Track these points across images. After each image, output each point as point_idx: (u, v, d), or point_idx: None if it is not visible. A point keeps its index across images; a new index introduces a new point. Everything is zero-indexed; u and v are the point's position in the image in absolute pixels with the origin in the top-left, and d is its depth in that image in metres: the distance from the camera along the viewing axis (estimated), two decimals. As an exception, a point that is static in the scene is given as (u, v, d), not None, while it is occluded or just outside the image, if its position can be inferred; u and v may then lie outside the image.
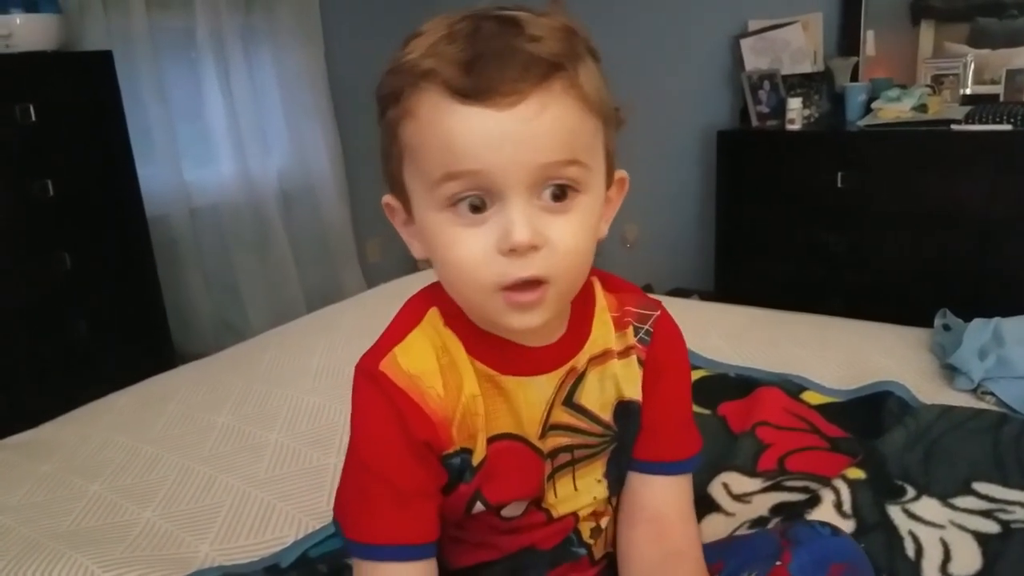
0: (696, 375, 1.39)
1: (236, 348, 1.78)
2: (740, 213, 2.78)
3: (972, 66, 2.59)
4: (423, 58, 0.57)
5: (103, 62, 2.44)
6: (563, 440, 0.71)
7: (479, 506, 0.69)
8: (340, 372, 1.48)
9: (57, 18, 2.42)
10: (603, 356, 0.71)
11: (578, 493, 0.73)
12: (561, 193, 0.59)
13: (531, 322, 0.61)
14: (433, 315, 0.68)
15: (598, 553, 0.78)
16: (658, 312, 0.76)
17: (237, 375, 1.55)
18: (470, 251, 0.58)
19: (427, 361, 0.66)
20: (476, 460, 0.67)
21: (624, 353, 0.73)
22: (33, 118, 2.24)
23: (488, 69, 0.55)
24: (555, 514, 0.73)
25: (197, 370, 1.65)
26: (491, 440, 0.67)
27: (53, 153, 2.33)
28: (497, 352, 0.67)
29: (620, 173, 0.68)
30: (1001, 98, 2.49)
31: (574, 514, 0.74)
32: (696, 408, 1.25)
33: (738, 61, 2.95)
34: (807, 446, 1.12)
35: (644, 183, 3.38)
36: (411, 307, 0.71)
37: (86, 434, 1.34)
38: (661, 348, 0.75)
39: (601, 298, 0.73)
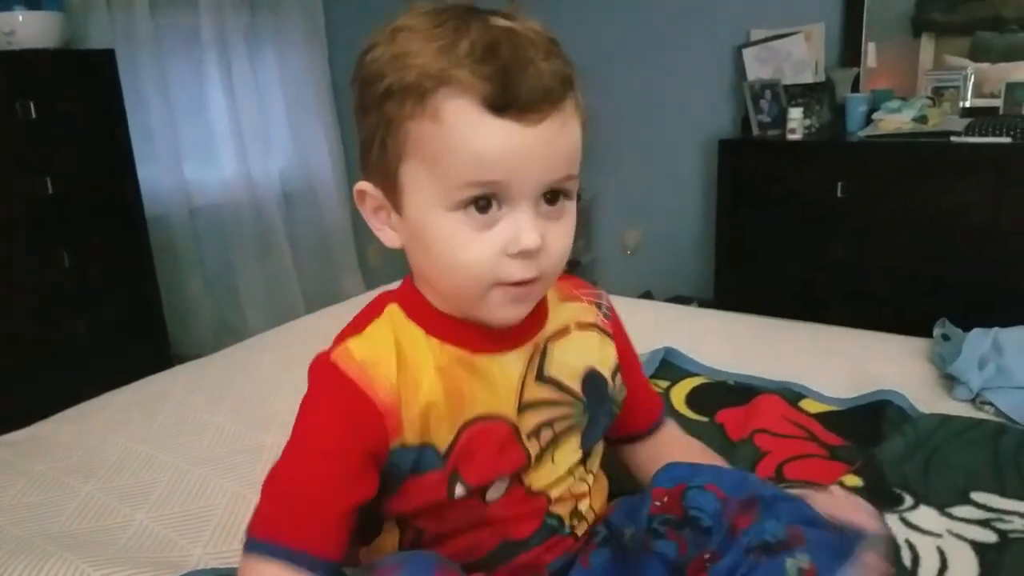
0: (695, 382, 1.38)
1: (234, 349, 1.77)
2: (740, 221, 2.78)
3: (972, 79, 2.60)
4: (452, 67, 0.58)
5: (105, 60, 2.45)
6: (543, 416, 0.73)
7: (460, 489, 0.68)
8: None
9: (60, 16, 2.43)
10: (562, 332, 0.76)
11: (555, 465, 0.74)
12: (554, 198, 0.64)
13: (520, 314, 0.66)
14: (393, 310, 0.70)
15: (580, 532, 0.78)
16: (603, 291, 0.84)
17: (235, 376, 1.55)
18: (479, 253, 0.62)
19: (382, 348, 0.67)
20: (442, 449, 0.67)
21: (583, 327, 0.78)
22: (34, 115, 2.24)
23: (519, 86, 0.58)
24: (533, 488, 0.73)
25: (194, 370, 1.64)
26: (466, 425, 0.68)
27: (53, 150, 2.33)
28: (466, 334, 0.69)
29: None
30: (1001, 111, 2.50)
31: (546, 495, 0.74)
32: (694, 415, 1.27)
33: (740, 70, 2.96)
34: (805, 454, 1.12)
35: (645, 190, 3.40)
36: (371, 305, 0.73)
37: (81, 433, 1.33)
38: (616, 322, 0.83)
39: None
